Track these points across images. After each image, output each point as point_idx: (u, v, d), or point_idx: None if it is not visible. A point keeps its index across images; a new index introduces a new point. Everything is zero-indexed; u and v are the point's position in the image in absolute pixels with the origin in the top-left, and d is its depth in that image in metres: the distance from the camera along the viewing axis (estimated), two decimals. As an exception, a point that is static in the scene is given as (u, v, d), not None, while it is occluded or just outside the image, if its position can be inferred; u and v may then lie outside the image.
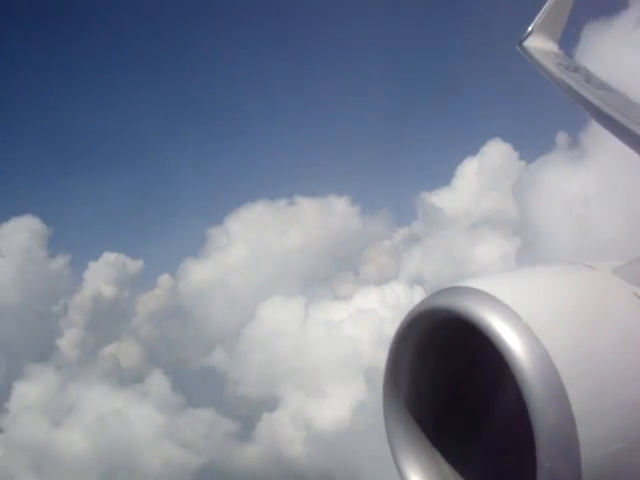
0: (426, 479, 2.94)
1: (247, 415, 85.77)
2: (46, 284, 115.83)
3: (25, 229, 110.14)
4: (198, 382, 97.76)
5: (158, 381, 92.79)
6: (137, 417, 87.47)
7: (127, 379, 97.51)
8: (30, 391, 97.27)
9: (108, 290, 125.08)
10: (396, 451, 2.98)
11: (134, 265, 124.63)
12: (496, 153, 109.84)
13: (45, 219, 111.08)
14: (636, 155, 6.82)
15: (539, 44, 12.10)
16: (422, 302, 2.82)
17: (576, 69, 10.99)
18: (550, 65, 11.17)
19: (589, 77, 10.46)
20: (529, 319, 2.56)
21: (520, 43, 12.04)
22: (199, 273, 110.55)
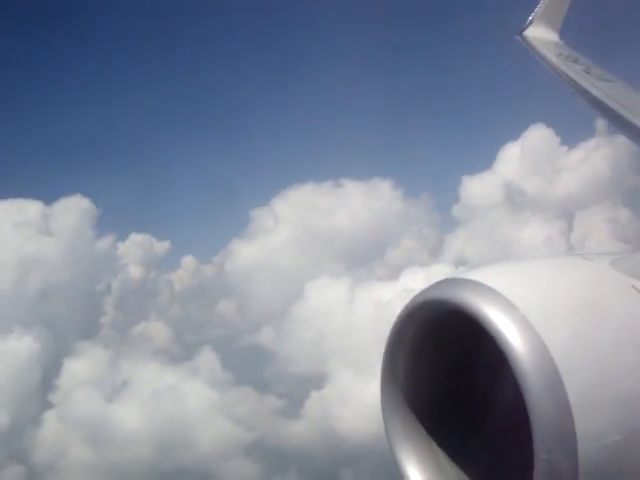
0: (423, 470, 2.96)
1: (295, 393, 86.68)
2: (93, 263, 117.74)
3: (75, 209, 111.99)
4: (246, 360, 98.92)
5: (207, 358, 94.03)
6: (189, 393, 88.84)
7: (176, 356, 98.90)
8: (80, 368, 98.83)
9: (139, 270, 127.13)
10: (393, 442, 3.00)
11: (160, 247, 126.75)
12: (538, 138, 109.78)
13: (94, 199, 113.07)
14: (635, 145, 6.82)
15: (539, 34, 12.08)
16: (419, 294, 2.82)
17: (576, 59, 11.02)
18: (550, 55, 11.17)
19: (589, 68, 10.46)
20: (527, 311, 2.56)
21: (520, 33, 12.12)
22: (246, 253, 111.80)
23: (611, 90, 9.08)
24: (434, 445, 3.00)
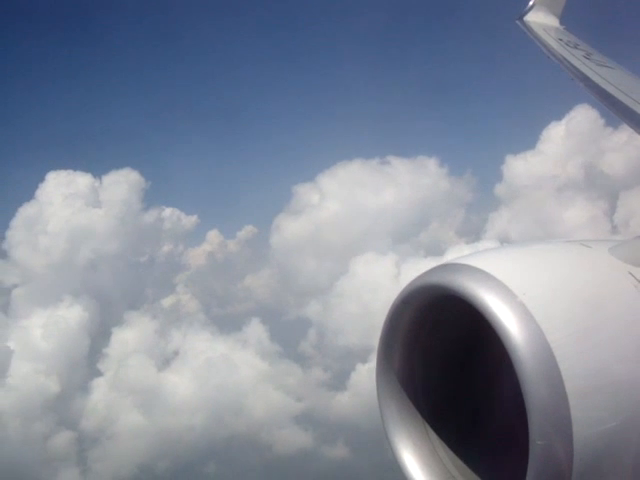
0: (417, 454, 2.95)
1: (341, 365, 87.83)
2: (139, 235, 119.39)
3: (124, 181, 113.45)
4: (293, 332, 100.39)
5: (256, 330, 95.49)
6: (239, 363, 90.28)
7: (226, 327, 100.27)
8: (129, 337, 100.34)
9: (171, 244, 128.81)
10: (388, 426, 2.99)
11: (189, 220, 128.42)
12: (583, 118, 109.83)
13: (143, 172, 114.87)
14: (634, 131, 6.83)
15: (540, 19, 11.94)
16: (417, 278, 2.81)
17: (576, 45, 10.87)
18: (550, 40, 11.00)
19: (589, 53, 10.32)
20: (524, 296, 2.56)
21: (521, 17, 11.96)
22: (292, 228, 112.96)
23: (611, 76, 8.98)
24: (429, 430, 3.00)
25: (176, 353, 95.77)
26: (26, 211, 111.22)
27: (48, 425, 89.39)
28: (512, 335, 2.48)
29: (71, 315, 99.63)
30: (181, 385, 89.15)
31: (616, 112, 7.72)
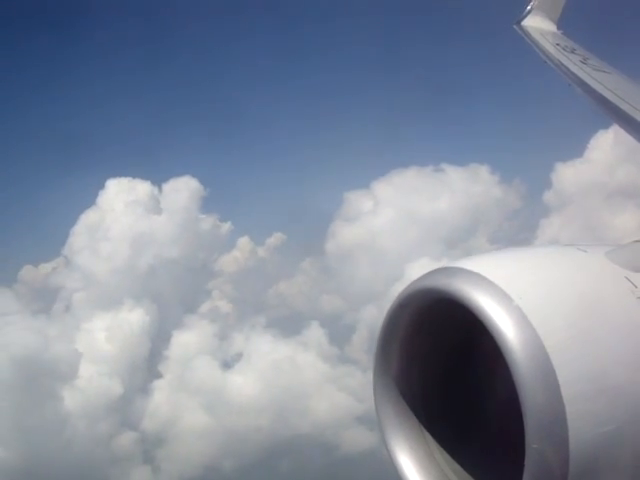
0: (414, 458, 2.96)
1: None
2: (198, 241, 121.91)
3: (184, 189, 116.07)
4: (351, 336, 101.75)
5: (316, 333, 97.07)
6: (302, 364, 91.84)
7: (286, 330, 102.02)
8: (189, 339, 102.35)
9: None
10: (385, 430, 3.01)
11: (225, 227, 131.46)
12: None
13: (202, 180, 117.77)
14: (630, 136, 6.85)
15: (537, 24, 11.91)
16: (413, 282, 2.82)
17: (574, 50, 10.81)
18: (547, 45, 10.96)
19: (587, 59, 10.26)
20: (520, 301, 2.57)
21: (518, 22, 11.90)
22: (347, 234, 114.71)
23: (608, 81, 8.94)
24: (426, 433, 3.01)
25: (239, 355, 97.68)
26: (88, 218, 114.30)
27: (112, 426, 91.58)
28: (508, 339, 2.49)
29: (133, 318, 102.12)
30: (246, 386, 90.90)
31: (613, 117, 7.73)
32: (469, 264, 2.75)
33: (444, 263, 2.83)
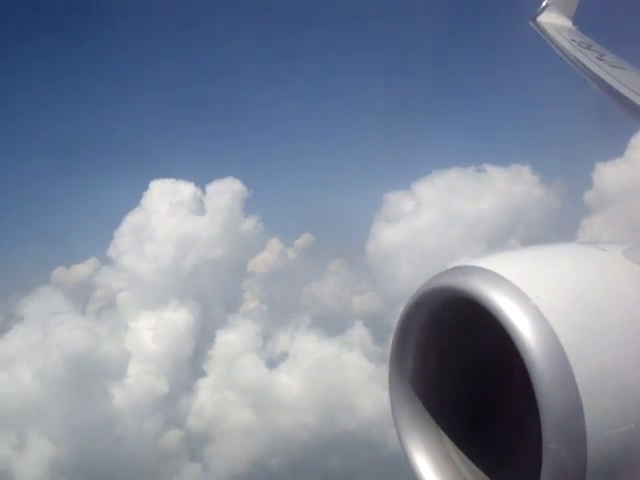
0: (431, 459, 2.95)
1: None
2: (239, 242, 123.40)
3: (227, 190, 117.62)
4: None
5: (359, 332, 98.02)
6: (347, 363, 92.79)
7: (329, 330, 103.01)
8: (232, 339, 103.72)
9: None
10: (401, 430, 3.00)
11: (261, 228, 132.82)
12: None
13: (245, 181, 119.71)
14: None
15: (553, 20, 11.87)
16: (430, 281, 2.81)
17: (589, 46, 10.80)
18: (563, 41, 10.93)
19: (602, 55, 10.23)
20: (537, 300, 2.55)
21: (534, 18, 11.89)
22: (389, 235, 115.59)
23: (624, 77, 8.88)
24: (442, 433, 3.00)
25: (285, 354, 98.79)
26: (132, 219, 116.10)
27: (159, 424, 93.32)
28: (525, 338, 2.48)
29: (177, 318, 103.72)
30: (292, 385, 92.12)
31: (630, 113, 7.68)
32: (486, 263, 2.73)
33: (461, 261, 2.80)
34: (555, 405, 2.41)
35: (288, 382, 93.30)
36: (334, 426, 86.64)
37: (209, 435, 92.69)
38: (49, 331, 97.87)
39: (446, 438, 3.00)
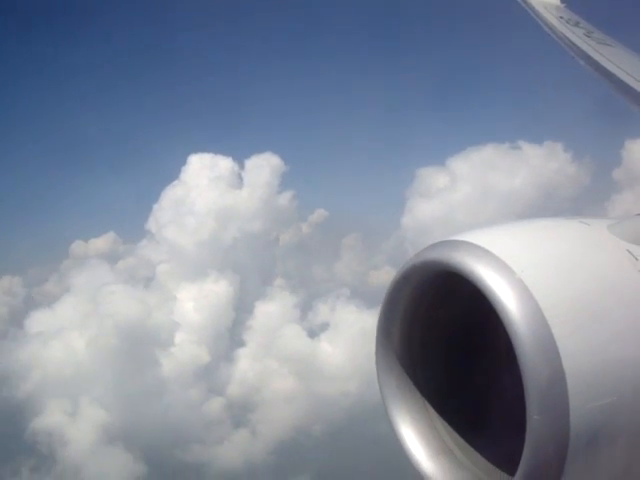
0: (417, 430, 2.99)
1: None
2: (276, 215, 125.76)
3: (266, 165, 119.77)
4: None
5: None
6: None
7: (368, 302, 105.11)
8: (271, 309, 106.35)
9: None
10: (387, 402, 3.04)
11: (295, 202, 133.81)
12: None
13: (283, 156, 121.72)
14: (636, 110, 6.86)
15: None
16: (416, 255, 2.81)
17: (577, 23, 10.72)
18: (551, 18, 10.80)
19: (590, 32, 10.19)
20: (522, 273, 2.57)
21: None
22: (424, 209, 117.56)
23: (612, 54, 8.84)
24: (428, 405, 3.03)
25: (326, 324, 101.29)
26: (172, 192, 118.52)
27: (201, 391, 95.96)
28: (510, 312, 2.50)
29: (218, 289, 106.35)
30: (333, 354, 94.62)
31: (617, 90, 7.63)
32: (472, 237, 2.75)
33: (447, 236, 2.81)
34: (539, 377, 2.43)
35: (330, 351, 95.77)
36: (375, 394, 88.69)
37: (251, 403, 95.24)
38: (100, 301, 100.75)
39: (431, 409, 3.03)
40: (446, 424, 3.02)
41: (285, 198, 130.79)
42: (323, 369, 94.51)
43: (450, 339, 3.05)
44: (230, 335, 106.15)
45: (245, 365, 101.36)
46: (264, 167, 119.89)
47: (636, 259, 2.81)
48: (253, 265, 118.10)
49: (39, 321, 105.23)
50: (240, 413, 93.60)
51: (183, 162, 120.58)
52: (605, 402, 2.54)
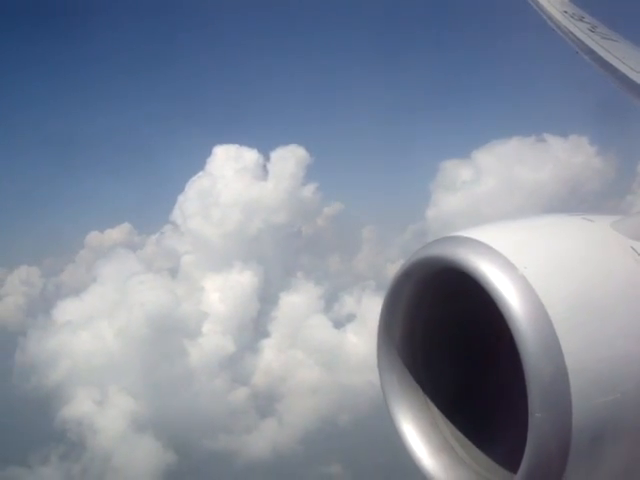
0: (417, 425, 2.98)
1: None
2: (299, 207, 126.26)
3: (291, 156, 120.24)
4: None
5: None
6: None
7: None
8: (296, 301, 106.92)
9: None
10: (389, 399, 3.02)
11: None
12: None
13: (308, 148, 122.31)
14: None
15: None
16: (418, 251, 2.80)
17: (582, 18, 10.66)
18: (555, 13, 10.77)
19: (595, 26, 10.17)
20: (525, 270, 2.55)
21: None
22: (448, 202, 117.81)
23: (616, 49, 8.81)
24: (429, 402, 3.02)
25: (352, 316, 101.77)
26: (198, 183, 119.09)
27: (226, 381, 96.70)
28: (513, 308, 2.48)
29: (243, 280, 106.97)
30: (359, 344, 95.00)
31: (621, 85, 7.60)
32: (475, 233, 2.74)
33: (449, 232, 2.81)
34: (541, 374, 2.42)
35: (356, 342, 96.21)
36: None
37: (276, 393, 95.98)
38: (129, 290, 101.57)
39: (433, 406, 3.01)
40: (448, 421, 3.01)
41: (309, 190, 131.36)
42: (349, 359, 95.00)
43: (452, 336, 3.04)
44: (254, 326, 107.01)
45: (270, 355, 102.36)
46: (289, 159, 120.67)
47: None
48: (277, 256, 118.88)
49: (67, 310, 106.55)
50: (265, 403, 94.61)
51: (204, 154, 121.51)
52: (608, 399, 2.53)
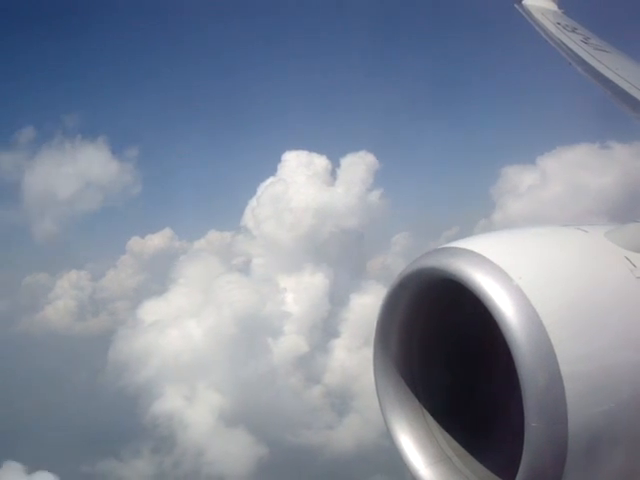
0: (414, 436, 2.98)
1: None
2: (367, 212, 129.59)
3: (361, 163, 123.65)
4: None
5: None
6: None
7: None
8: (366, 302, 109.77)
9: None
10: (385, 410, 3.03)
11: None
12: None
13: (377, 155, 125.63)
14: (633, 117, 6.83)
15: (538, 2, 11.69)
16: (413, 262, 2.80)
17: (574, 29, 10.68)
18: (548, 24, 10.78)
19: (587, 38, 10.15)
20: (520, 280, 2.56)
21: (519, 1, 11.68)
22: (514, 206, 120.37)
23: (609, 60, 8.84)
24: (426, 413, 3.03)
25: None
26: (270, 188, 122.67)
27: (301, 380, 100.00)
28: (508, 318, 2.48)
29: (315, 282, 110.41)
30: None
31: (613, 96, 7.56)
32: (470, 244, 2.73)
33: (445, 243, 2.81)
34: (537, 384, 2.43)
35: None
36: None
37: (350, 390, 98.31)
38: (215, 291, 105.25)
39: (429, 417, 3.02)
40: (444, 431, 3.01)
41: (375, 195, 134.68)
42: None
43: (448, 346, 3.05)
44: (325, 326, 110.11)
45: (341, 355, 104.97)
46: (359, 165, 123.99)
47: (634, 266, 2.80)
48: (346, 259, 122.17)
49: (152, 310, 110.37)
50: (340, 401, 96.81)
51: (275, 159, 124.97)
52: (603, 408, 2.53)
